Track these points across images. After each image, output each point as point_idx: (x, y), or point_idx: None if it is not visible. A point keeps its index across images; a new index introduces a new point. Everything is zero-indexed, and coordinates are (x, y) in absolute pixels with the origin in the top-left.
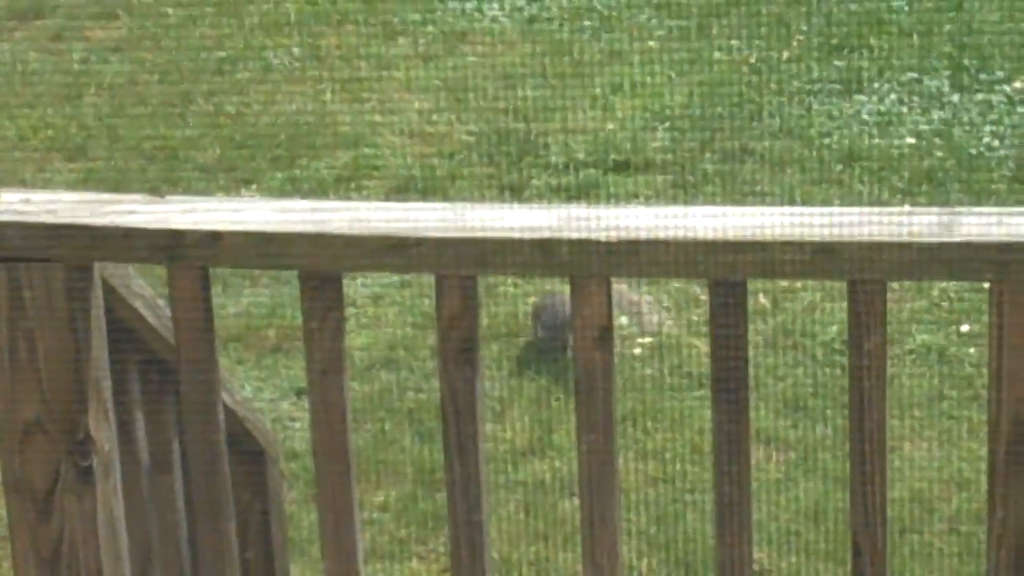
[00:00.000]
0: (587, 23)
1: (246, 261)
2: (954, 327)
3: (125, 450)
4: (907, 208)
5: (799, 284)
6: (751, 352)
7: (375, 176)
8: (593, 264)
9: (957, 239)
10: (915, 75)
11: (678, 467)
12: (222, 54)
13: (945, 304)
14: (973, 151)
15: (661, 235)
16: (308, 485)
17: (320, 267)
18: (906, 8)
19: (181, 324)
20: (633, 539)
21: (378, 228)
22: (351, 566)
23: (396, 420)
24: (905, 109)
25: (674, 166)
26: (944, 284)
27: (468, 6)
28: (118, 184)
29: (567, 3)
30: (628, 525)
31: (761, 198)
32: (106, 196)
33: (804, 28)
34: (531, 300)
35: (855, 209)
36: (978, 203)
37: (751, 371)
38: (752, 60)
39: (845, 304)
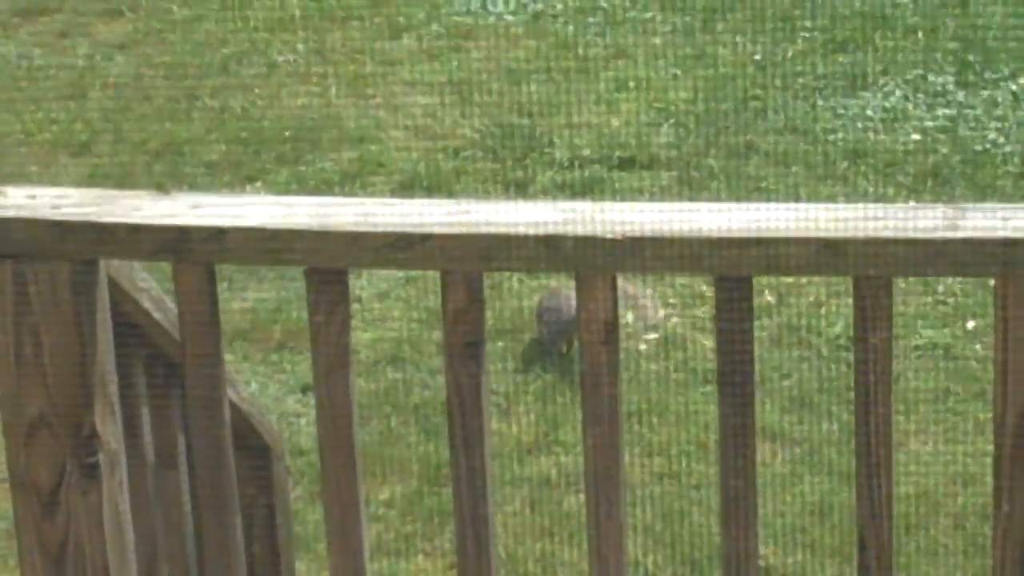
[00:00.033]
0: (592, 20)
1: (251, 257)
2: (959, 323)
3: (131, 446)
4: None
5: (804, 280)
6: (757, 349)
7: (380, 173)
8: (599, 260)
9: (962, 235)
10: (920, 72)
11: (684, 463)
12: (227, 51)
13: (951, 301)
14: (978, 148)
15: (667, 231)
16: (314, 482)
17: (325, 263)
18: (911, 5)
19: (187, 320)
20: (639, 535)
21: (383, 224)
22: (357, 562)
23: (402, 416)
24: (910, 106)
25: (679, 163)
26: (949, 280)
27: (473, 3)
28: (123, 181)
29: (572, 0)
30: (634, 521)
31: (766, 195)
32: (112, 193)
33: (809, 25)
34: (536, 297)
35: (860, 205)
36: (983, 199)
37: (757, 367)
38: (757, 57)
39: (850, 300)
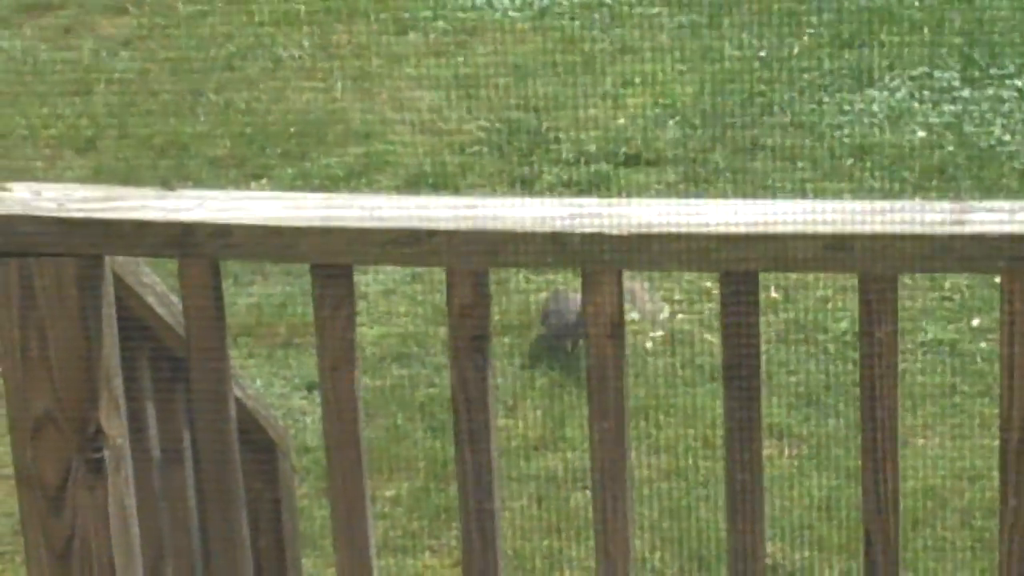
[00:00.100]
0: (598, 17)
1: (257, 254)
2: (965, 321)
3: (136, 443)
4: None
5: (810, 278)
6: (762, 346)
7: (386, 170)
8: (605, 256)
9: (969, 232)
10: (926, 69)
11: (690, 461)
12: (232, 48)
13: (956, 298)
14: (984, 145)
15: (673, 227)
16: (320, 479)
17: (331, 259)
18: (917, 2)
19: (192, 316)
20: (645, 533)
21: (389, 221)
22: (363, 560)
23: (408, 414)
24: (916, 103)
25: (685, 160)
26: (955, 278)
27: (479, 0)
28: (128, 178)
29: None
30: (640, 519)
31: (772, 191)
32: (117, 190)
33: (815, 22)
34: (542, 295)
35: (867, 202)
36: (989, 197)
37: (763, 363)
38: (763, 54)
39: (856, 297)
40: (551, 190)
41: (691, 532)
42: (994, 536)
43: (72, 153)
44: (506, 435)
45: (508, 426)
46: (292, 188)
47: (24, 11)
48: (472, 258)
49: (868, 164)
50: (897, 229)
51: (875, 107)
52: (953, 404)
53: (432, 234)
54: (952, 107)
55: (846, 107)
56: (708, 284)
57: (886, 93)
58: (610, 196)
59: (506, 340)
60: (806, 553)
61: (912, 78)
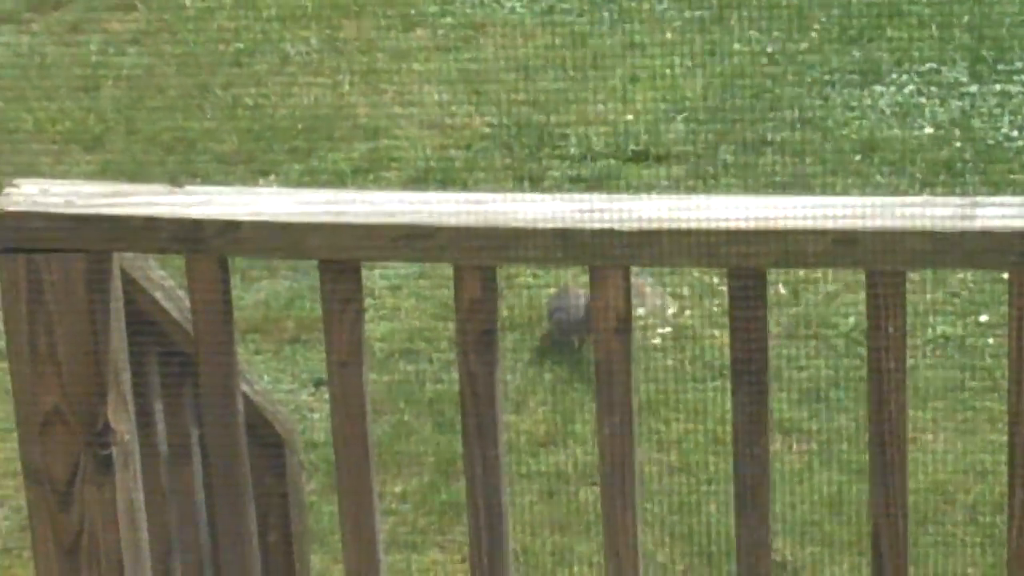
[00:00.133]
0: (605, 14)
1: (265, 251)
2: (972, 317)
3: (144, 439)
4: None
5: (818, 274)
6: (770, 343)
7: (393, 167)
8: (612, 253)
9: (977, 228)
10: (933, 65)
11: (697, 457)
12: (240, 45)
13: (964, 294)
14: (991, 141)
15: (680, 224)
16: (328, 475)
17: (339, 256)
18: None
19: (200, 312)
20: (653, 529)
21: (397, 217)
22: (371, 556)
23: (415, 410)
24: (923, 99)
25: (692, 157)
26: (963, 274)
27: None
28: (136, 175)
29: None
30: (647, 515)
31: (779, 188)
32: (125, 187)
33: (822, 18)
34: (550, 291)
35: (875, 199)
36: (997, 193)
37: (770, 359)
38: (770, 50)
39: (863, 294)
40: (558, 186)
41: (698, 528)
42: (1002, 532)
43: (79, 150)
44: (513, 431)
45: (515, 422)
46: (300, 184)
47: (32, 7)
48: (480, 254)
49: (875, 160)
50: (905, 225)
51: (882, 103)
52: (960, 400)
53: (440, 230)
54: (960, 103)
55: (853, 103)
56: (715, 280)
57: (893, 89)
58: (617, 192)
59: (513, 336)
60: (813, 549)
61: (920, 74)
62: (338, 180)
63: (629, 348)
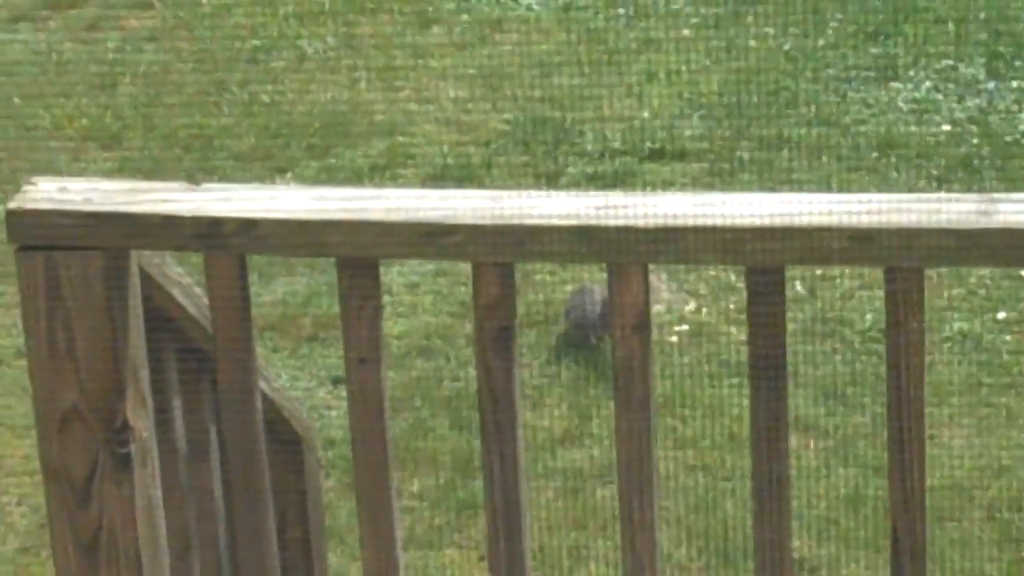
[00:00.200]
0: (621, 11)
1: (283, 248)
2: (990, 314)
3: (163, 437)
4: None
5: (835, 272)
6: (787, 340)
7: (410, 165)
8: (631, 251)
9: (996, 225)
10: (951, 62)
11: (715, 455)
12: (256, 43)
13: (981, 291)
14: (1009, 138)
15: (699, 222)
16: (345, 473)
17: (357, 254)
18: None
19: (218, 310)
20: (671, 527)
21: (415, 216)
22: (389, 554)
23: (433, 408)
24: (941, 96)
25: (709, 154)
26: (980, 271)
27: None
28: (153, 173)
29: None
30: (665, 513)
31: (796, 186)
32: (143, 184)
33: (839, 15)
34: (568, 288)
35: (893, 196)
36: (1014, 190)
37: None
38: (787, 48)
39: (881, 292)
40: (575, 184)
41: (716, 526)
42: (1020, 529)
43: (97, 147)
44: (531, 429)
45: (533, 420)
46: (317, 182)
47: (49, 6)
48: (499, 251)
49: (893, 158)
50: (924, 223)
51: (900, 100)
52: (978, 397)
53: (459, 228)
54: (977, 100)
55: (871, 101)
56: (732, 278)
57: (911, 86)
58: (635, 190)
59: (531, 334)
60: (831, 548)
61: (937, 71)
62: (355, 178)
63: (648, 345)
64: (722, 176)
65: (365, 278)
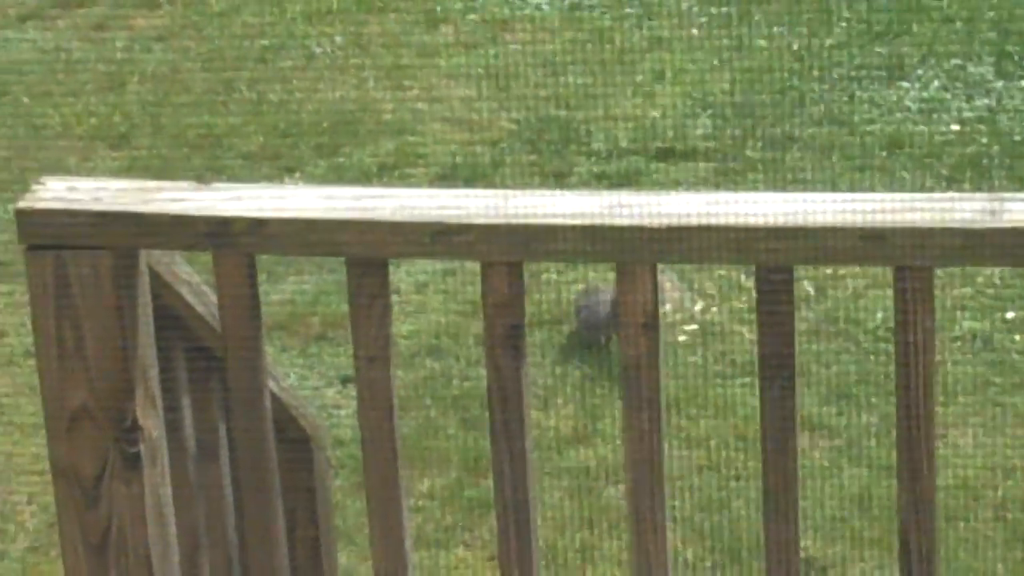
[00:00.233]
0: (629, 10)
1: (292, 248)
2: (999, 314)
3: (172, 436)
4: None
5: (843, 271)
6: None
7: (419, 164)
8: (640, 250)
9: (1005, 225)
10: (959, 62)
11: (723, 455)
12: (265, 42)
13: (990, 291)
14: (1018, 137)
15: (708, 221)
16: (355, 473)
17: (366, 254)
18: None
19: (227, 310)
20: (679, 526)
21: (424, 215)
22: (399, 553)
23: (442, 408)
24: (949, 96)
25: (717, 153)
26: (988, 271)
27: None
28: (162, 172)
29: None
30: (674, 513)
31: (805, 185)
32: (152, 184)
33: (847, 15)
34: (576, 287)
35: (902, 195)
36: (1022, 190)
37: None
38: (795, 47)
39: (890, 291)
40: (584, 183)
41: (726, 525)
42: None
43: (105, 148)
44: (540, 428)
45: (542, 419)
46: (325, 182)
47: (58, 6)
48: (507, 252)
49: (901, 157)
50: (934, 223)
51: (908, 100)
52: (987, 397)
53: (467, 228)
54: (986, 100)
55: (879, 100)
56: (741, 277)
57: (919, 86)
58: (643, 189)
59: (540, 334)
60: (840, 546)
61: (945, 70)
62: (364, 177)
63: (657, 345)
64: (731, 175)
65: (374, 277)
